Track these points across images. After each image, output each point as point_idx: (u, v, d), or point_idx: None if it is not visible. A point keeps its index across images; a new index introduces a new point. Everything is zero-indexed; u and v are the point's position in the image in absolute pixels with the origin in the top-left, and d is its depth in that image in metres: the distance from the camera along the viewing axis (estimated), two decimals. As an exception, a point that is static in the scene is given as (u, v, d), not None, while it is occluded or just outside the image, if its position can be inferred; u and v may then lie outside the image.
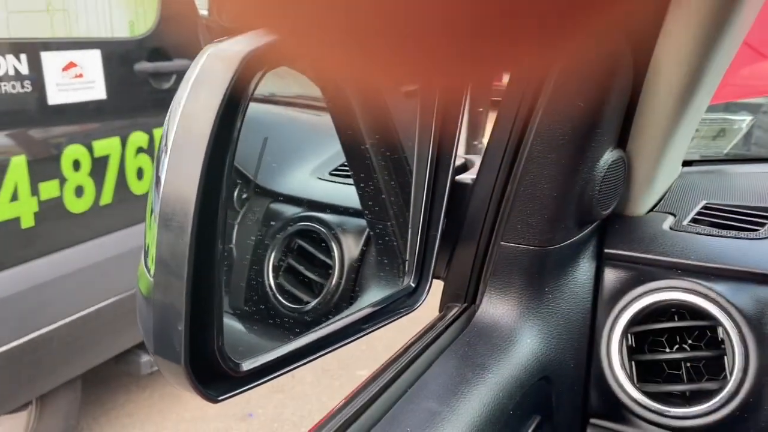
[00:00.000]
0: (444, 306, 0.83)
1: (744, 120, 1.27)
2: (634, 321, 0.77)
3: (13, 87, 2.29)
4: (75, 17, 2.51)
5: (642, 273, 0.78)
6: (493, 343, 0.73)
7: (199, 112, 0.47)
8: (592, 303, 0.80)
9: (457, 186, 0.81)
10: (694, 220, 0.85)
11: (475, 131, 5.20)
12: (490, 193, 0.77)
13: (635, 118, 0.75)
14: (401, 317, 0.77)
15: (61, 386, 2.71)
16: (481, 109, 5.22)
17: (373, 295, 0.82)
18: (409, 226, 0.78)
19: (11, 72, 2.28)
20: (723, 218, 0.85)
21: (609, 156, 0.74)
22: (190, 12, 3.32)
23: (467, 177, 0.81)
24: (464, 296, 0.81)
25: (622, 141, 0.77)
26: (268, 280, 0.95)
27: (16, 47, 2.27)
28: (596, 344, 0.78)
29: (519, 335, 0.75)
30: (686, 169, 1.05)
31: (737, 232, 0.81)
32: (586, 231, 0.79)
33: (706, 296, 0.74)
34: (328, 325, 0.71)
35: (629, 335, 0.77)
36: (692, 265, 0.76)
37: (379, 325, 0.76)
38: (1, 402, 2.47)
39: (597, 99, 0.68)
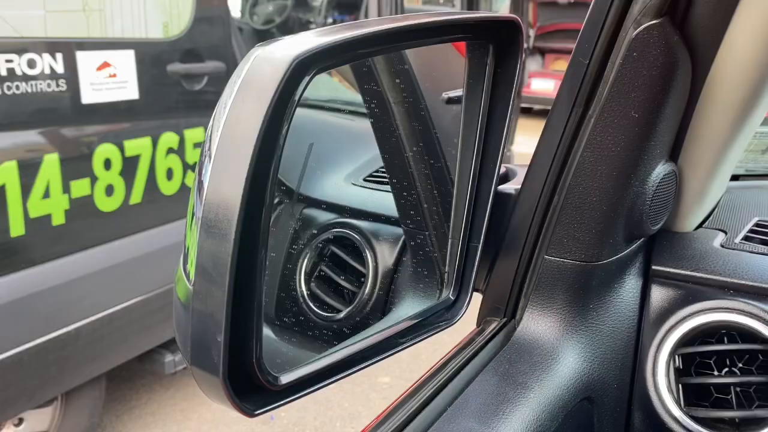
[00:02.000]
0: (482, 320, 0.80)
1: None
2: (683, 342, 0.73)
3: (48, 85, 2.31)
4: (110, 18, 2.53)
5: (691, 292, 0.75)
6: (534, 361, 0.70)
7: (246, 116, 0.45)
8: (637, 322, 0.76)
9: (499, 196, 0.79)
10: (746, 238, 0.82)
11: (504, 139, 5.15)
12: (535, 204, 0.74)
13: (689, 130, 0.72)
14: (440, 331, 0.75)
15: (87, 383, 2.73)
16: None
17: (410, 308, 0.80)
18: (450, 236, 0.76)
19: (47, 71, 2.30)
20: None
21: (661, 169, 0.71)
22: (223, 14, 3.33)
23: (510, 187, 0.79)
24: (504, 311, 0.78)
25: (673, 153, 0.74)
26: (300, 287, 0.93)
27: (52, 46, 2.29)
28: (641, 365, 0.75)
29: (561, 353, 0.72)
30: (733, 183, 1.02)
31: None
32: (633, 247, 0.76)
33: (760, 318, 0.70)
34: (365, 338, 0.70)
35: (677, 356, 0.74)
36: (745, 285, 0.73)
37: (417, 339, 0.74)
38: (28, 397, 2.49)
39: (652, 109, 0.65)
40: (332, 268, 0.95)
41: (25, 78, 2.26)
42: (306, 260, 0.95)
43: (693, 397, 0.75)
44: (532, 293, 0.75)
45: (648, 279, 0.77)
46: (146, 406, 3.33)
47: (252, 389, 0.53)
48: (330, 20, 5.50)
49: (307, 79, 0.50)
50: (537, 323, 0.74)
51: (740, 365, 0.74)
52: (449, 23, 0.67)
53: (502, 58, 0.71)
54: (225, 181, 0.45)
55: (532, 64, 10.54)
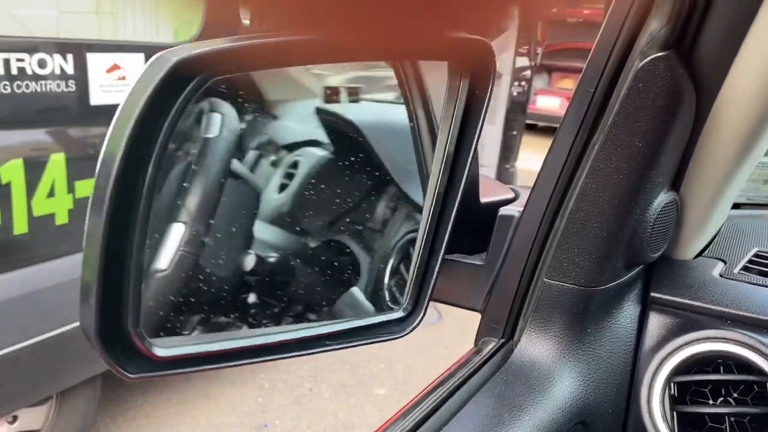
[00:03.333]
0: (480, 340, 0.81)
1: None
2: (679, 370, 0.74)
3: (58, 86, 2.33)
4: (122, 21, 2.55)
5: (689, 320, 0.75)
6: (530, 384, 0.71)
7: (126, 110, 0.51)
8: (634, 348, 0.77)
9: (502, 218, 0.79)
10: (745, 268, 0.82)
11: (507, 155, 5.18)
12: (536, 227, 0.75)
13: (692, 159, 0.73)
14: (383, 341, 0.74)
15: (82, 383, 2.73)
16: (514, 133, 5.20)
17: (359, 311, 0.81)
18: (414, 250, 0.75)
19: (57, 71, 2.32)
20: None
21: (663, 198, 0.72)
22: (233, 21, 3.35)
23: (513, 209, 0.80)
24: (502, 331, 0.79)
25: (675, 182, 0.75)
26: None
27: (63, 47, 2.31)
28: (636, 391, 0.76)
29: (557, 376, 0.72)
30: (734, 212, 1.02)
31: None
32: (632, 273, 0.77)
33: (756, 350, 0.71)
34: (280, 332, 0.71)
35: (672, 384, 0.75)
36: (743, 316, 0.73)
37: (356, 343, 0.72)
38: (23, 395, 2.49)
39: (655, 139, 0.65)
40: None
41: (36, 77, 2.28)
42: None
43: (688, 425, 0.75)
44: (530, 315, 0.75)
45: (646, 306, 0.78)
46: (141, 408, 3.33)
47: (134, 356, 0.58)
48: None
49: (197, 79, 0.55)
50: (534, 345, 0.74)
51: (735, 395, 0.75)
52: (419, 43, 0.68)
53: (476, 80, 0.70)
54: (104, 162, 0.51)
55: (539, 81, 10.57)
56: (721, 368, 0.74)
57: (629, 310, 0.77)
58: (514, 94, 4.95)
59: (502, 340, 0.78)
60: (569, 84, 11.67)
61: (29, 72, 2.27)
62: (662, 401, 0.74)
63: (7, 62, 2.19)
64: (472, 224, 0.79)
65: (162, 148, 0.54)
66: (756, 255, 0.86)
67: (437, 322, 4.42)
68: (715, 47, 0.62)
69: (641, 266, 0.78)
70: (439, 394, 0.69)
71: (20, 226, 2.32)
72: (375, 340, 0.73)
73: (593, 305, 0.74)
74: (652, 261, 0.78)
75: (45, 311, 2.46)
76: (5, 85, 2.18)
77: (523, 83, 4.97)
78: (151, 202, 0.56)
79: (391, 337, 0.74)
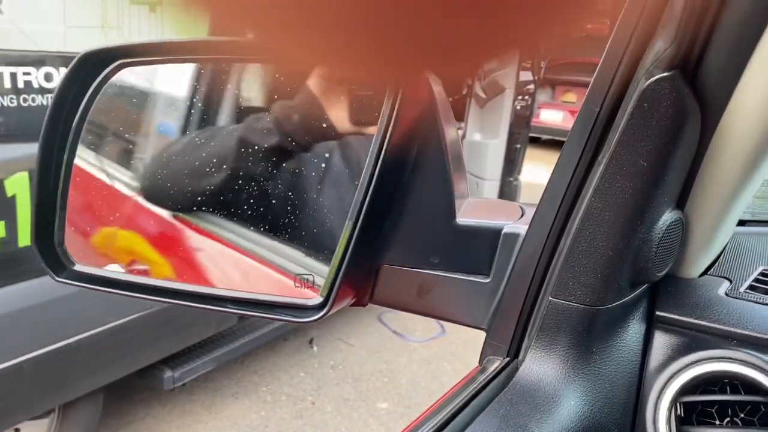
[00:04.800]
0: (484, 358, 0.80)
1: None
2: (685, 390, 0.73)
3: (64, 99, 2.34)
4: (128, 35, 2.56)
5: (695, 340, 0.75)
6: (536, 403, 0.71)
7: (56, 88, 0.84)
8: (640, 367, 0.76)
9: (507, 236, 0.79)
10: (751, 287, 0.82)
11: (511, 168, 5.18)
12: (542, 246, 0.75)
13: (697, 178, 0.72)
14: (283, 321, 0.79)
15: (84, 396, 2.72)
16: (518, 146, 5.20)
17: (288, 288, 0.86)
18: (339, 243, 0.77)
19: (63, 84, 2.33)
20: None
21: (668, 216, 0.72)
22: (238, 32, 3.35)
23: (518, 227, 0.80)
24: (507, 350, 0.78)
25: (680, 201, 0.75)
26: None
27: (70, 61, 2.32)
28: (642, 411, 0.75)
29: (563, 396, 0.72)
30: (739, 229, 1.02)
31: None
32: (637, 292, 0.76)
33: (763, 370, 0.70)
34: (207, 288, 0.85)
35: (678, 404, 0.74)
36: (749, 335, 0.73)
37: (255, 314, 0.80)
38: (26, 407, 2.49)
39: (661, 159, 0.66)
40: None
41: (42, 91, 2.29)
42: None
43: None
44: (535, 334, 0.75)
45: (651, 325, 0.78)
46: (143, 421, 3.32)
47: (61, 266, 0.87)
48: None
49: (108, 69, 0.84)
50: (540, 365, 0.74)
51: (742, 416, 0.74)
52: None
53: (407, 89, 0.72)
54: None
55: (542, 95, 10.62)
56: (728, 388, 0.74)
57: (634, 329, 0.77)
58: (518, 108, 4.95)
59: (507, 359, 0.78)
60: (572, 97, 11.71)
61: (36, 85, 2.28)
62: (668, 422, 0.73)
63: (14, 76, 2.20)
64: (441, 242, 0.80)
65: (81, 119, 0.85)
66: (762, 273, 0.85)
67: (440, 336, 4.40)
68: (721, 67, 0.62)
69: (646, 285, 0.78)
70: (444, 414, 0.68)
71: (25, 238, 2.33)
72: (275, 317, 0.80)
73: (598, 324, 0.73)
74: (658, 279, 0.77)
75: (49, 323, 2.46)
76: (12, 98, 2.20)
77: (527, 97, 4.98)
78: (70, 161, 0.86)
79: (293, 319, 0.78)
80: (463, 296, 0.81)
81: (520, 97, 4.98)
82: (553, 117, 11.37)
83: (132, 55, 0.88)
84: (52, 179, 0.85)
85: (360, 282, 0.82)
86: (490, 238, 0.80)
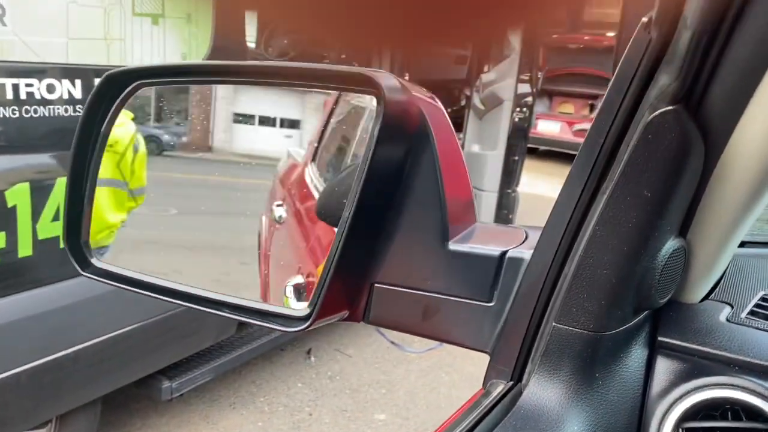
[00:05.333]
0: (488, 382, 0.81)
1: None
2: (687, 416, 0.74)
3: (66, 110, 2.35)
4: (130, 47, 2.58)
5: (697, 366, 0.76)
6: (539, 429, 0.71)
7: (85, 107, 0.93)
8: (642, 393, 0.77)
9: (512, 260, 0.80)
10: (752, 312, 0.83)
11: (509, 180, 5.20)
12: (546, 272, 0.76)
13: (700, 206, 0.74)
14: (271, 329, 0.84)
15: (82, 406, 2.72)
16: (516, 158, 5.22)
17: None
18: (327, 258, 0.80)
19: (65, 96, 2.34)
20: None
21: (671, 244, 0.73)
22: (240, 46, 3.39)
23: (523, 251, 0.81)
24: (511, 374, 0.79)
25: (683, 228, 0.76)
26: None
27: (72, 72, 2.34)
28: None
29: (566, 422, 0.73)
30: (738, 250, 1.03)
31: None
32: (640, 317, 0.77)
33: (764, 396, 0.71)
34: (200, 288, 0.88)
35: (681, 430, 0.75)
36: (751, 362, 0.74)
37: (247, 319, 0.86)
38: (23, 418, 2.49)
39: (664, 190, 0.67)
40: None
41: (44, 102, 2.30)
42: None
43: None
44: (539, 359, 0.76)
45: (654, 350, 0.79)
46: (140, 431, 3.31)
47: (85, 261, 0.97)
48: (343, 56, 5.57)
49: (129, 88, 0.94)
50: (543, 389, 0.75)
51: None
52: (322, 72, 0.84)
53: (390, 109, 0.74)
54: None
55: (540, 106, 10.67)
56: (729, 414, 0.75)
57: (637, 355, 0.78)
58: (516, 120, 4.98)
59: (511, 383, 0.78)
60: (570, 108, 11.76)
61: (38, 97, 2.29)
62: None
63: (16, 87, 2.21)
64: (433, 266, 0.81)
65: (106, 132, 0.95)
66: (762, 299, 0.87)
67: (438, 347, 4.41)
68: (725, 101, 0.63)
69: (649, 310, 0.79)
70: None
71: (25, 248, 2.33)
72: (265, 324, 0.84)
73: (602, 350, 0.74)
74: (660, 306, 0.78)
75: (48, 333, 2.46)
76: (14, 109, 2.20)
77: (525, 109, 5.01)
78: (96, 168, 0.96)
79: (279, 328, 0.83)
80: (467, 319, 0.82)
81: (518, 110, 5.01)
82: (550, 128, 11.41)
83: (150, 76, 0.97)
84: (81, 185, 0.95)
85: (350, 297, 0.83)
86: (487, 264, 0.81)
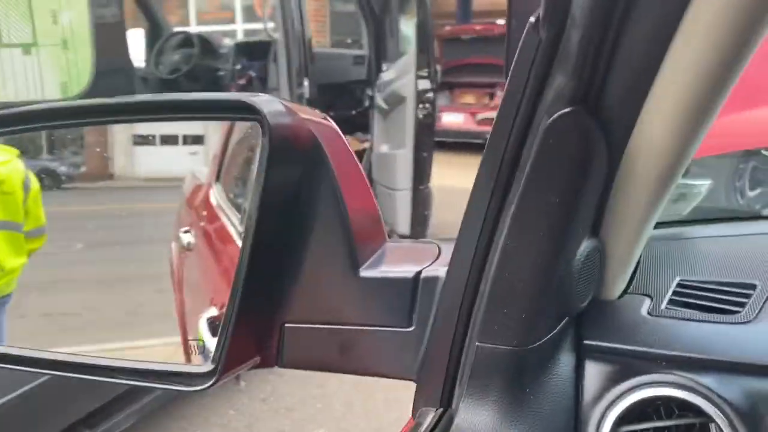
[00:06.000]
0: (417, 410, 0.77)
1: (704, 184, 1.27)
2: (622, 420, 0.72)
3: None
4: (1, 83, 2.39)
5: (625, 366, 0.74)
6: None
7: None
8: (575, 402, 0.75)
9: (426, 280, 0.76)
10: (671, 302, 0.82)
11: (421, 176, 5.22)
12: (462, 290, 0.72)
13: (609, 203, 0.71)
14: (174, 390, 0.76)
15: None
16: (425, 154, 5.25)
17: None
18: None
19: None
20: (700, 298, 0.82)
21: (585, 246, 0.71)
22: (125, 67, 3.24)
23: (437, 269, 0.76)
24: (439, 400, 0.75)
25: (594, 228, 0.74)
26: None
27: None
28: None
29: None
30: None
31: (717, 315, 0.78)
32: (563, 323, 0.75)
33: (695, 391, 0.70)
34: (93, 357, 0.81)
35: None
36: (676, 356, 0.72)
37: (144, 383, 0.77)
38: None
39: (571, 193, 0.64)
40: None
41: None
42: None
43: None
44: (466, 381, 0.72)
45: (581, 354, 0.76)
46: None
47: None
48: (238, 67, 5.43)
49: None
50: (474, 414, 0.71)
51: None
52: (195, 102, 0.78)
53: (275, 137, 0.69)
54: None
55: (442, 99, 10.82)
56: (663, 411, 0.73)
57: (565, 362, 0.75)
58: (420, 116, 5.00)
59: (441, 410, 0.74)
60: (471, 99, 12.00)
61: None
62: None
63: None
64: (346, 297, 0.77)
65: None
66: (678, 285, 0.86)
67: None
68: (622, 99, 0.61)
69: (570, 316, 0.76)
70: None
71: None
72: (165, 386, 0.77)
73: (529, 364, 0.71)
74: (581, 310, 0.76)
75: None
76: None
77: (428, 105, 5.04)
78: None
79: (184, 389, 0.75)
80: (387, 348, 0.78)
81: (421, 105, 5.03)
82: (454, 119, 11.59)
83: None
84: None
85: (260, 342, 0.77)
86: (401, 287, 0.77)
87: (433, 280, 0.76)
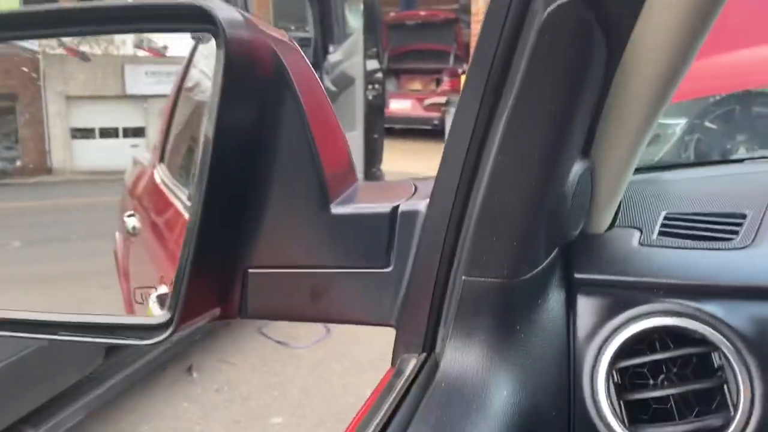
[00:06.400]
0: (398, 358, 0.70)
1: (678, 124, 1.24)
2: (620, 355, 0.67)
3: None
4: None
5: (619, 298, 0.69)
6: (467, 402, 0.61)
7: None
8: (567, 339, 0.69)
9: (404, 215, 0.69)
10: (662, 233, 0.77)
11: (372, 159, 5.15)
12: (446, 222, 0.65)
13: (601, 121, 0.66)
14: (126, 345, 0.70)
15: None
16: (376, 136, 5.19)
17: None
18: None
19: None
20: (691, 228, 0.77)
21: (578, 167, 0.65)
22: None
23: (416, 204, 0.70)
24: (422, 345, 0.68)
25: (585, 148, 0.68)
26: None
27: None
28: (579, 387, 0.68)
29: (494, 388, 0.63)
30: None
31: (712, 242, 0.73)
32: (552, 256, 0.69)
33: (698, 318, 0.65)
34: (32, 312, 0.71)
35: (615, 373, 0.68)
36: (675, 284, 0.67)
37: (91, 339, 0.70)
38: None
39: (569, 99, 0.58)
40: None
41: None
42: None
43: (633, 411, 0.69)
44: (452, 321, 0.65)
45: (572, 289, 0.71)
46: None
47: None
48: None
49: None
50: (462, 355, 0.65)
51: (675, 370, 0.69)
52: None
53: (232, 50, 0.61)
54: None
55: (389, 85, 10.76)
56: (657, 344, 0.69)
57: (555, 299, 0.69)
58: (370, 97, 4.93)
59: (424, 355, 0.67)
60: (418, 85, 11.98)
61: None
62: (608, 392, 0.67)
63: None
64: (318, 236, 0.69)
65: None
66: (666, 218, 0.81)
67: (326, 338, 4.29)
68: None
69: (559, 248, 0.71)
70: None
71: None
72: (116, 341, 0.69)
73: (519, 299, 0.65)
74: (573, 238, 0.70)
75: None
76: None
77: (377, 86, 4.97)
78: None
79: (137, 342, 0.68)
80: (363, 292, 0.71)
81: (370, 86, 4.96)
82: (402, 106, 11.55)
83: None
84: None
85: (220, 291, 0.69)
86: (377, 224, 0.70)
87: (412, 215, 0.69)
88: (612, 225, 0.80)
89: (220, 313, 0.70)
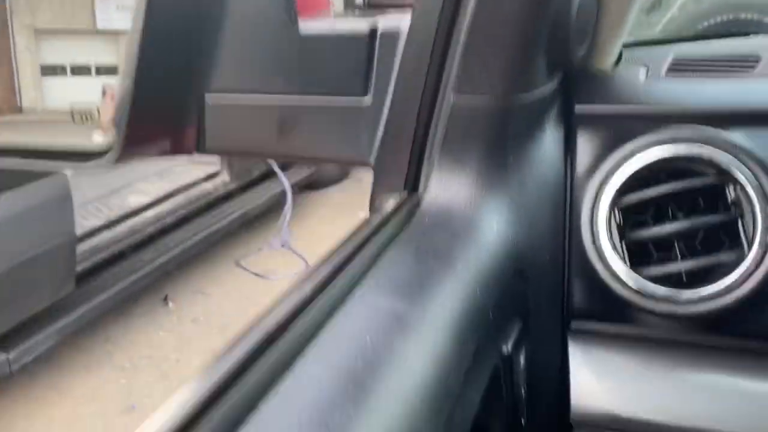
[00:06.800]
0: (375, 199, 0.62)
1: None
2: (624, 190, 0.60)
3: None
4: None
5: (626, 130, 0.61)
6: (453, 229, 0.54)
7: None
8: (565, 174, 0.62)
9: (385, 38, 0.61)
10: (671, 70, 0.70)
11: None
12: (432, 38, 0.57)
13: None
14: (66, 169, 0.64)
15: None
16: None
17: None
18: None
19: None
20: (704, 65, 0.70)
21: None
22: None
23: (393, 23, 0.61)
24: (404, 182, 0.61)
25: None
26: None
27: None
28: (576, 226, 0.61)
29: (483, 218, 0.56)
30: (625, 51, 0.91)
31: (729, 73, 0.66)
32: (552, 84, 0.61)
33: (713, 143, 0.58)
34: None
35: (617, 210, 0.61)
36: (689, 111, 0.60)
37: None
38: None
39: None
40: None
41: None
42: None
43: (634, 255, 0.62)
44: (438, 150, 0.58)
45: (572, 122, 0.63)
46: (-20, 415, 2.88)
47: None
48: None
49: None
50: (448, 188, 0.57)
51: (682, 213, 0.63)
52: None
53: None
54: None
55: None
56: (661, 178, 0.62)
57: (553, 130, 0.62)
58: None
59: (405, 192, 0.60)
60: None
61: None
62: (609, 231, 0.60)
63: None
64: (285, 59, 0.61)
65: None
66: (674, 60, 0.74)
67: (303, 271, 4.24)
68: None
69: (560, 78, 0.63)
70: (338, 259, 0.50)
71: None
72: (52, 163, 0.68)
73: (513, 124, 0.57)
74: (576, 62, 0.63)
75: None
76: None
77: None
78: None
79: (74, 165, 0.66)
80: (338, 124, 0.63)
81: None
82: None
83: None
84: None
85: (172, 119, 0.61)
86: (354, 46, 0.61)
87: (393, 35, 0.60)
88: (617, 62, 0.72)
89: (173, 146, 0.61)
